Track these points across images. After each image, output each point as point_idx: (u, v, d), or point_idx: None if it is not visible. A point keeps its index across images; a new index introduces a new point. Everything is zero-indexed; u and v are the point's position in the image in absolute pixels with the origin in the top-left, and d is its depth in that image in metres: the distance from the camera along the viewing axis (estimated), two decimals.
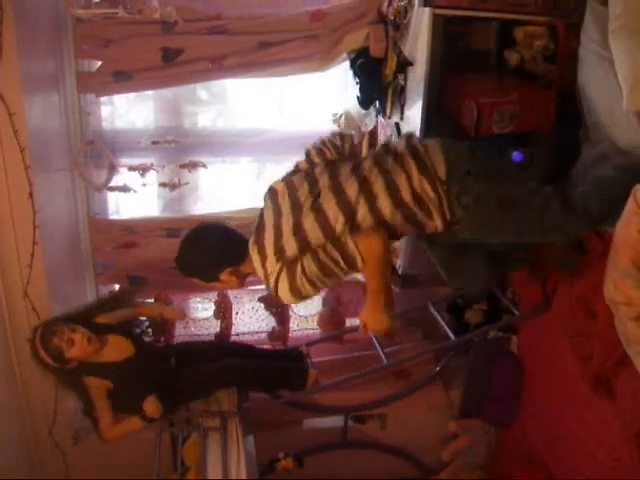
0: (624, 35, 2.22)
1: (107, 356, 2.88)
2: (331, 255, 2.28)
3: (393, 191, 2.34)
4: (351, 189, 2.36)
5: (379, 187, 2.35)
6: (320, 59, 3.36)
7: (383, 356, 3.13)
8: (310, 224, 2.35)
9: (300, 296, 2.38)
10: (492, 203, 2.37)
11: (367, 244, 2.28)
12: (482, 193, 2.36)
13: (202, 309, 3.82)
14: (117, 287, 3.68)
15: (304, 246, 2.33)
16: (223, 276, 2.50)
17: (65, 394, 3.20)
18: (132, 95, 3.67)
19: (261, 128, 3.80)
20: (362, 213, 2.33)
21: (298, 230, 2.36)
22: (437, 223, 2.39)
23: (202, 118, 3.96)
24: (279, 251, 2.35)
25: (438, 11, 2.81)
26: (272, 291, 2.41)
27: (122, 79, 3.23)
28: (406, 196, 2.34)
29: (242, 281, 2.61)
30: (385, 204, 2.34)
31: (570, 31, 2.75)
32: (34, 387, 3.30)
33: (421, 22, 2.88)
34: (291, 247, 2.34)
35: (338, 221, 2.32)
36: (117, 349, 2.93)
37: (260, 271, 2.43)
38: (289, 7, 3.33)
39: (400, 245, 3.29)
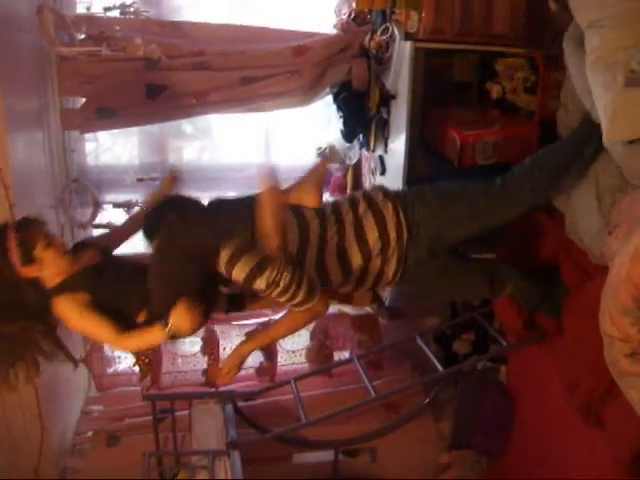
0: (601, 68, 2.24)
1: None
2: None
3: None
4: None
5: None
6: (303, 94, 3.38)
7: (372, 389, 3.11)
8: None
9: (251, 283, 2.27)
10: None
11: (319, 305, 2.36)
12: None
13: (190, 344, 3.78)
14: None
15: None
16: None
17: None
18: (116, 130, 3.66)
19: (246, 162, 3.81)
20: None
21: None
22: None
23: (187, 152, 3.97)
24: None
25: (419, 44, 2.87)
26: (228, 264, 2.26)
27: (106, 116, 3.24)
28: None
29: None
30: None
31: (549, 62, 2.79)
32: (18, 425, 3.24)
33: (403, 56, 2.92)
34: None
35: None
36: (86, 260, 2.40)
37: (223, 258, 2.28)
38: (271, 42, 3.35)
39: None
